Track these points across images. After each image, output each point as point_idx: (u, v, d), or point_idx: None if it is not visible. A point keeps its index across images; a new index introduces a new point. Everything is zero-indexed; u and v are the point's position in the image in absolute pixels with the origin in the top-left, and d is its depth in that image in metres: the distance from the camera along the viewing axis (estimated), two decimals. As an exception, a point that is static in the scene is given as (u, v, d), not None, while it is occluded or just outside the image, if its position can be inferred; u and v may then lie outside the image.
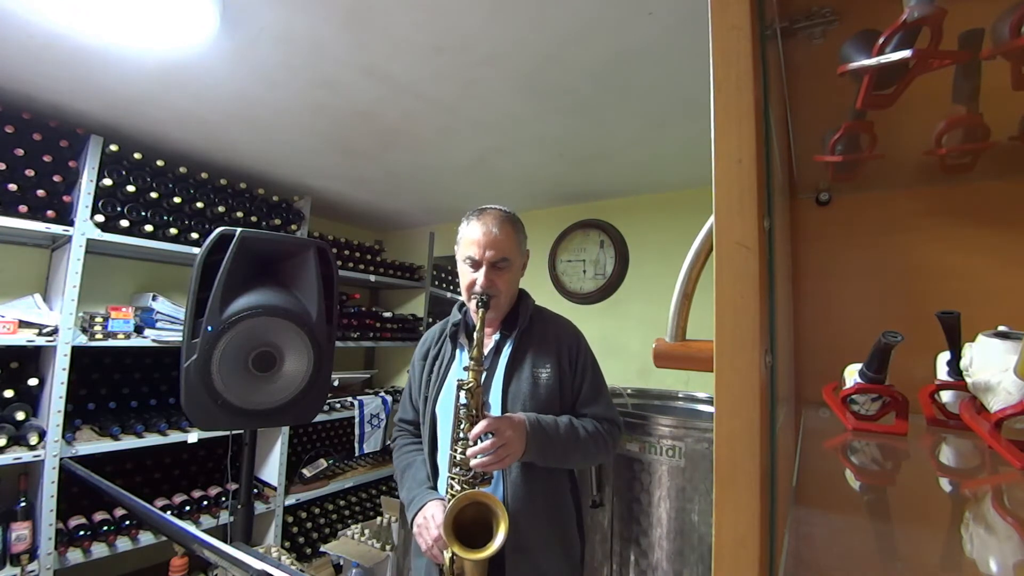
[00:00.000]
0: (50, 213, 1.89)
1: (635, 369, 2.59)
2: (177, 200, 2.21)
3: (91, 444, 1.96)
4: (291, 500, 2.64)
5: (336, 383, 2.95)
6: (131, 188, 2.08)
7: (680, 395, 2.28)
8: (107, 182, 2.01)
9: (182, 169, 2.29)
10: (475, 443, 1.06)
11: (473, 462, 1.05)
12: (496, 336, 1.27)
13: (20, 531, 1.79)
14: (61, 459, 1.85)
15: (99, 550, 1.95)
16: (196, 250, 2.02)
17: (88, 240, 1.97)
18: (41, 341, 1.86)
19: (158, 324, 2.22)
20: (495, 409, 1.18)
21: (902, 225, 0.93)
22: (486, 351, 1.24)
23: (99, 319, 2.05)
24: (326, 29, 1.39)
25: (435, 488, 1.21)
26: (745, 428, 0.34)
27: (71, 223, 1.94)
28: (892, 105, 0.54)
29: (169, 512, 2.15)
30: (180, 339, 1.20)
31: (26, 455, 1.78)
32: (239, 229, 1.21)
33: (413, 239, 3.79)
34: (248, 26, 1.38)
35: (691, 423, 1.62)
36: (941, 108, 0.62)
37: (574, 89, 1.67)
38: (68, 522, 1.95)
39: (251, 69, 1.61)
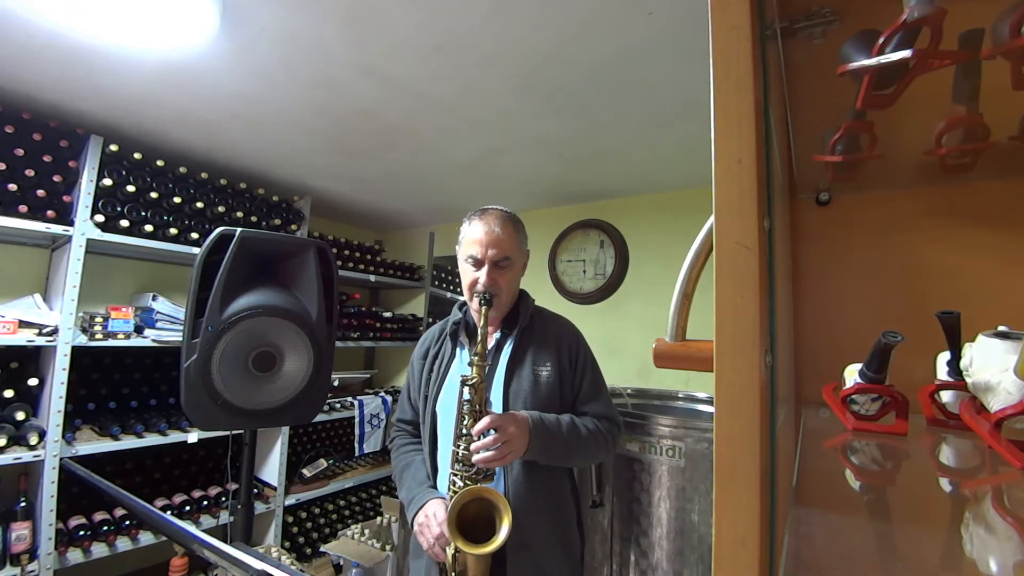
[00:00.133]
0: (50, 213, 1.89)
1: (635, 369, 2.59)
2: (177, 200, 2.21)
3: (91, 444, 1.96)
4: (291, 500, 2.64)
5: (336, 383, 2.95)
6: (131, 188, 2.08)
7: (680, 395, 2.28)
8: (107, 182, 2.01)
9: (182, 169, 2.29)
10: (478, 439, 1.06)
11: (476, 457, 1.05)
12: (497, 335, 1.28)
13: (20, 531, 1.79)
14: (61, 459, 1.85)
15: (99, 550, 1.95)
16: (196, 250, 2.02)
17: (88, 240, 1.97)
18: (41, 341, 1.86)
19: (158, 324, 2.22)
20: (496, 407, 1.18)
21: (902, 225, 0.93)
22: (487, 360, 1.25)
23: (99, 319, 2.05)
24: (326, 29, 1.39)
25: (435, 487, 1.22)
26: (745, 428, 0.34)
27: (71, 223, 1.94)
28: (892, 105, 0.54)
29: (169, 512, 2.15)
30: (180, 339, 1.20)
31: (26, 455, 1.78)
32: (239, 229, 1.21)
33: (413, 239, 3.79)
34: (248, 26, 1.38)
35: (691, 423, 1.62)
36: (941, 108, 0.62)
37: (574, 89, 1.67)
38: (68, 522, 1.95)
39: (251, 69, 1.61)
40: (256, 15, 1.34)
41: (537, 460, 1.14)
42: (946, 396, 0.72)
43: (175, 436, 2.18)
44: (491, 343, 1.27)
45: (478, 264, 1.22)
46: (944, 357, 0.71)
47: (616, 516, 1.70)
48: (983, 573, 0.35)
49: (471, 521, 1.03)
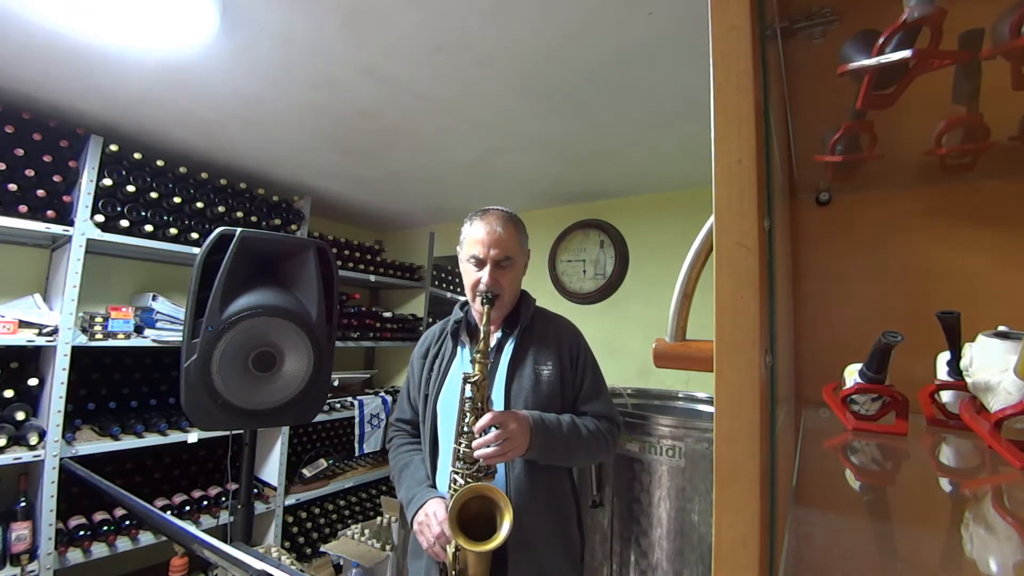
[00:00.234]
0: (50, 213, 1.89)
1: (635, 369, 2.59)
2: (177, 200, 2.21)
3: (91, 444, 1.96)
4: (291, 500, 2.64)
5: (336, 383, 2.95)
6: (131, 188, 2.08)
7: (680, 395, 2.28)
8: (107, 182, 2.01)
9: (182, 169, 2.29)
10: (480, 436, 1.06)
11: (478, 453, 1.05)
12: (498, 334, 1.29)
13: (20, 531, 1.79)
14: (61, 459, 1.85)
15: (99, 550, 1.95)
16: (196, 250, 2.02)
17: (88, 240, 1.97)
18: (41, 341, 1.86)
19: (158, 324, 2.22)
20: (498, 406, 1.19)
21: (902, 225, 0.93)
22: (489, 357, 1.25)
23: (99, 319, 2.05)
24: (326, 29, 1.39)
25: (435, 487, 1.22)
26: (745, 428, 0.34)
27: (71, 223, 1.94)
28: (892, 105, 0.54)
29: (169, 512, 2.15)
30: (180, 339, 1.20)
31: (26, 455, 1.78)
32: (239, 229, 1.21)
33: (413, 239, 3.79)
34: (248, 26, 1.38)
35: (691, 423, 1.62)
36: (941, 108, 0.62)
37: (574, 89, 1.67)
38: (68, 522, 1.95)
39: (251, 69, 1.61)
40: (256, 15, 1.34)
41: (538, 460, 1.14)
42: (946, 396, 0.72)
43: (175, 436, 2.18)
44: (492, 342, 1.27)
45: (480, 264, 1.22)
46: (944, 357, 0.71)
47: (616, 516, 1.70)
48: (983, 573, 0.35)
49: (472, 519, 1.02)
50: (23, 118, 1.88)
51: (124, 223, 2.08)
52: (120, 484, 1.79)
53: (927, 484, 0.55)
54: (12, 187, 1.80)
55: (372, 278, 3.14)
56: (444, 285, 3.65)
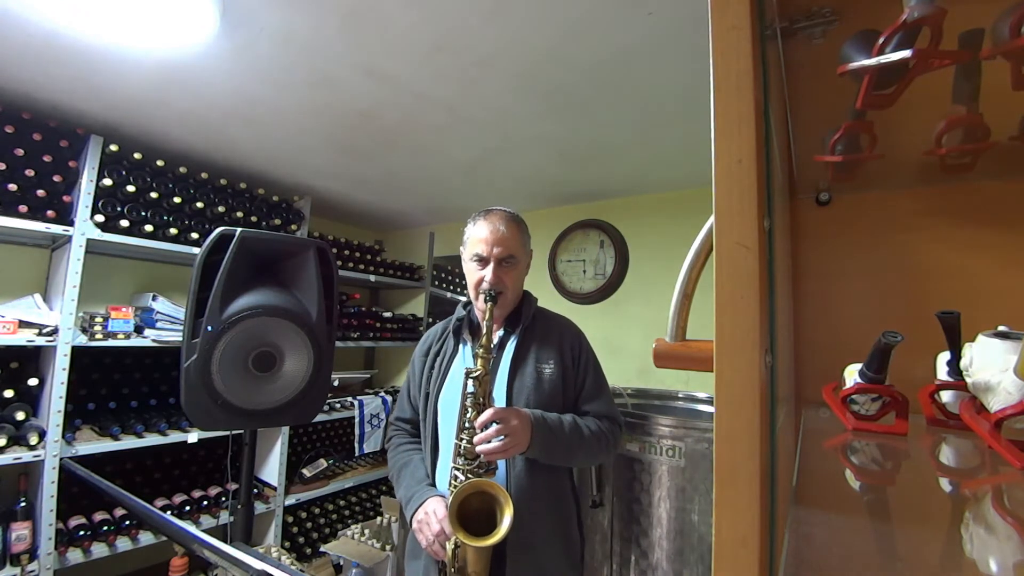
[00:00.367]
0: (50, 213, 1.89)
1: (635, 369, 2.59)
2: (177, 200, 2.21)
3: (91, 444, 1.96)
4: (291, 500, 2.64)
5: (336, 383, 2.95)
6: (131, 188, 2.08)
7: (680, 395, 2.28)
8: (107, 182, 2.01)
9: (182, 169, 2.29)
10: (481, 431, 1.06)
11: (480, 448, 1.05)
12: (500, 332, 1.29)
13: (20, 531, 1.79)
14: (61, 459, 1.85)
15: (99, 550, 1.94)
16: (196, 250, 2.02)
17: (88, 240, 1.97)
18: (41, 341, 1.86)
19: (158, 324, 2.22)
20: (500, 403, 1.19)
21: (902, 225, 0.93)
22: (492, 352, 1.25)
23: (99, 319, 2.05)
24: (326, 29, 1.39)
25: (435, 485, 1.21)
26: (745, 428, 0.34)
27: (71, 223, 1.94)
28: (892, 105, 0.54)
29: (169, 512, 2.15)
30: (180, 339, 1.20)
31: (26, 455, 1.78)
32: (239, 229, 1.21)
33: (413, 239, 3.79)
34: (248, 26, 1.38)
35: (691, 423, 1.62)
36: (941, 108, 0.62)
37: (574, 89, 1.67)
38: (68, 522, 1.95)
39: (251, 69, 1.61)
40: (256, 15, 1.34)
41: (539, 458, 1.14)
42: (946, 396, 0.72)
43: (175, 436, 2.18)
44: (495, 340, 1.27)
45: (483, 262, 1.23)
46: (944, 357, 0.71)
47: (616, 516, 1.70)
48: (983, 573, 0.35)
49: (472, 516, 1.02)
50: (23, 118, 1.88)
51: (124, 223, 2.08)
52: (120, 484, 1.79)
53: (927, 484, 0.55)
54: (12, 187, 1.80)
55: (372, 278, 3.14)
56: (444, 285, 3.65)
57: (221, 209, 2.38)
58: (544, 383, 1.21)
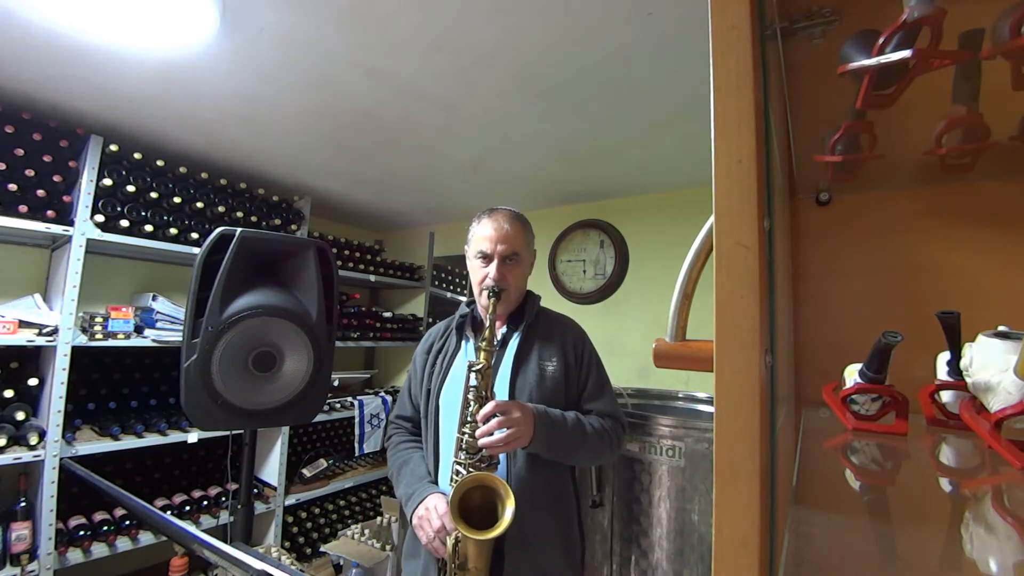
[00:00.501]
0: (50, 213, 1.89)
1: (635, 369, 2.59)
2: (177, 200, 2.21)
3: (91, 444, 1.96)
4: (291, 500, 2.64)
5: (336, 383, 2.95)
6: (131, 188, 2.08)
7: (680, 395, 2.28)
8: (107, 182, 2.01)
9: (182, 169, 2.29)
10: (483, 424, 1.06)
11: (482, 441, 1.05)
12: (503, 329, 1.29)
13: (20, 531, 1.79)
14: (61, 459, 1.85)
15: (99, 550, 1.95)
16: (196, 250, 2.02)
17: (88, 240, 1.97)
18: (41, 341, 1.86)
19: (158, 324, 2.22)
20: (502, 399, 1.18)
21: (902, 225, 0.93)
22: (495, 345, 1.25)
23: (99, 319, 2.05)
24: (326, 29, 1.39)
25: (436, 483, 1.21)
26: (745, 428, 0.34)
27: (71, 223, 1.94)
28: (892, 105, 0.54)
29: (169, 512, 2.15)
30: (180, 339, 1.20)
31: (26, 455, 1.78)
32: (239, 229, 1.21)
33: (413, 239, 3.79)
34: (248, 26, 1.38)
35: (691, 423, 1.62)
36: (941, 108, 0.62)
37: (574, 89, 1.67)
38: (68, 522, 1.95)
39: (251, 69, 1.61)
40: (256, 15, 1.34)
41: (541, 453, 1.13)
42: (946, 396, 0.72)
43: (175, 436, 2.18)
44: (497, 337, 1.27)
45: (487, 259, 1.24)
46: (944, 357, 0.71)
47: (616, 516, 1.70)
48: (983, 573, 0.35)
49: (473, 511, 1.02)
50: (23, 118, 1.88)
51: (124, 223, 2.08)
52: (120, 484, 1.79)
53: (927, 484, 0.55)
54: (12, 187, 1.80)
55: (372, 278, 3.14)
56: (444, 285, 3.65)
57: (221, 209, 2.38)
58: (547, 380, 1.21)
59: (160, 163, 2.20)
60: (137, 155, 2.13)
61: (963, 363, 0.64)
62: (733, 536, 0.32)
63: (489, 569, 1.05)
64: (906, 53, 0.46)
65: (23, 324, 1.86)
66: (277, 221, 2.64)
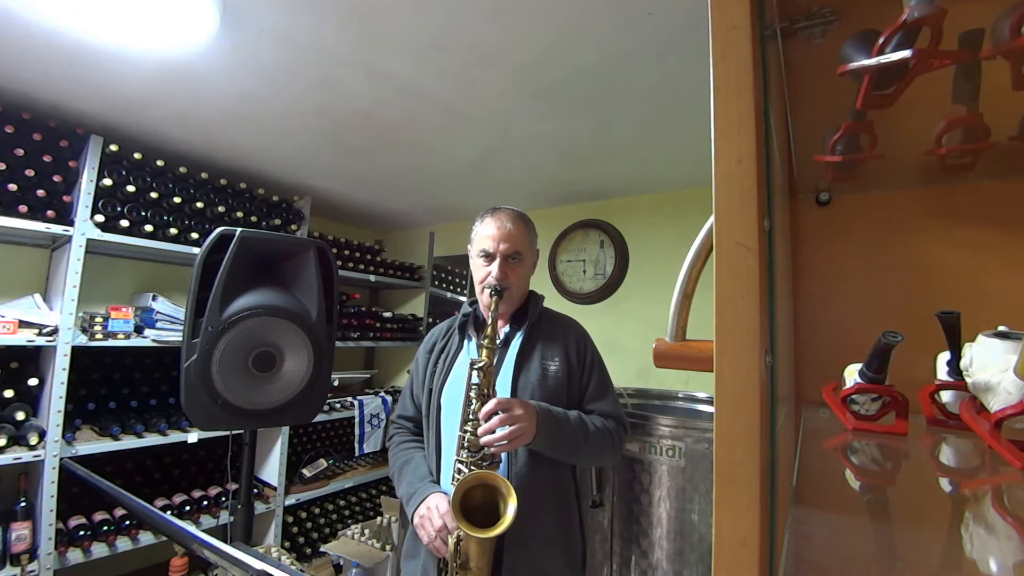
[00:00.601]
0: (50, 213, 1.89)
1: (635, 369, 2.59)
2: (177, 200, 2.21)
3: (91, 444, 1.96)
4: (291, 500, 2.64)
5: (336, 383, 2.95)
6: (131, 188, 2.08)
7: (680, 395, 2.28)
8: (107, 182, 2.01)
9: (182, 169, 2.29)
10: (485, 422, 1.05)
11: (484, 439, 1.04)
12: (506, 329, 1.29)
13: (20, 531, 1.79)
14: (61, 459, 1.85)
15: (99, 550, 1.95)
16: (196, 250, 2.02)
17: (88, 240, 1.97)
18: (41, 341, 1.86)
19: (158, 324, 2.22)
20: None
21: (902, 225, 0.93)
22: (497, 343, 1.25)
23: (99, 319, 2.05)
24: (326, 29, 1.39)
25: (437, 483, 1.20)
26: (745, 428, 0.34)
27: (71, 223, 1.94)
28: (892, 105, 0.54)
29: (169, 512, 2.15)
30: (180, 339, 1.19)
31: (26, 455, 1.79)
32: (239, 229, 1.21)
33: (413, 239, 3.79)
34: (248, 26, 1.38)
35: (691, 423, 1.62)
36: (941, 108, 0.62)
37: (574, 89, 1.67)
38: (68, 522, 1.95)
39: (251, 69, 1.61)
40: (256, 15, 1.34)
41: (544, 451, 1.13)
42: (946, 396, 0.72)
43: (175, 436, 2.18)
44: (500, 337, 1.27)
45: (490, 258, 1.24)
46: (944, 357, 0.71)
47: (616, 516, 1.70)
48: (983, 573, 0.35)
49: (475, 510, 1.01)
50: (23, 118, 1.88)
51: (124, 223, 2.08)
52: (120, 484, 1.79)
53: (927, 484, 0.55)
54: (12, 187, 1.80)
55: (372, 278, 3.14)
56: (444, 285, 3.65)
57: (221, 209, 2.38)
58: (549, 380, 1.21)
59: (160, 163, 2.20)
60: (137, 155, 2.13)
61: (963, 363, 0.64)
62: (733, 536, 0.32)
63: (490, 568, 1.05)
64: (906, 53, 0.46)
65: (23, 324, 1.86)
66: (277, 221, 2.64)
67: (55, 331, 1.89)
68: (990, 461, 0.57)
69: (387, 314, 3.27)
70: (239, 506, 1.37)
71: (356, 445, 2.86)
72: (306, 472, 2.74)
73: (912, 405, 0.70)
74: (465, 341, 1.31)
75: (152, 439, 2.11)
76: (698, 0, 0.44)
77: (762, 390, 0.34)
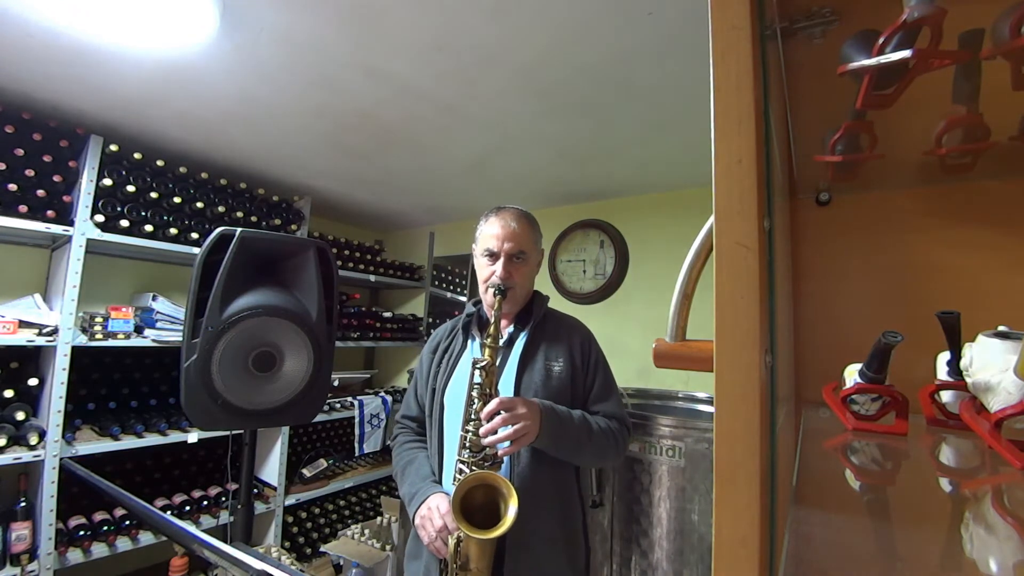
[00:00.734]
0: (50, 213, 1.89)
1: (635, 369, 2.59)
2: (177, 200, 2.21)
3: (91, 444, 1.96)
4: (291, 500, 2.64)
5: (336, 383, 2.95)
6: (131, 188, 2.08)
7: (680, 395, 2.28)
8: (107, 182, 2.01)
9: (182, 169, 2.29)
10: (487, 421, 1.04)
11: (486, 440, 1.04)
12: (510, 329, 1.29)
13: (20, 531, 1.79)
14: (61, 459, 1.85)
15: (99, 550, 1.95)
16: (196, 250, 2.02)
17: (88, 240, 1.97)
18: (41, 341, 1.86)
19: (158, 324, 2.22)
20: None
21: (902, 225, 0.93)
22: (499, 343, 1.25)
23: (99, 319, 2.05)
24: (326, 29, 1.39)
25: (440, 483, 1.20)
26: (745, 428, 0.34)
27: (71, 223, 1.94)
28: (892, 105, 0.54)
29: (169, 512, 2.15)
30: (180, 339, 1.19)
31: (26, 455, 1.79)
32: (239, 229, 1.21)
33: (413, 239, 3.79)
34: (248, 26, 1.39)
35: (691, 423, 1.62)
36: (941, 108, 0.62)
37: (574, 89, 1.67)
38: (68, 522, 1.95)
39: (251, 69, 1.61)
40: (256, 15, 1.34)
41: (547, 450, 1.12)
42: (946, 396, 0.72)
43: (175, 436, 2.18)
44: (504, 336, 1.27)
45: (494, 257, 1.24)
46: (944, 357, 0.71)
47: (616, 516, 1.70)
48: (983, 573, 0.35)
49: (476, 510, 1.00)
50: (23, 118, 1.88)
51: (124, 223, 2.08)
52: (120, 484, 1.80)
53: (927, 484, 0.55)
54: (12, 187, 1.80)
55: (372, 278, 3.14)
56: (444, 285, 3.65)
57: (221, 209, 2.38)
58: (552, 380, 1.20)
59: (160, 163, 2.20)
60: (137, 155, 2.13)
61: (963, 363, 0.64)
62: (733, 536, 0.32)
63: (491, 570, 1.04)
64: (906, 53, 0.46)
65: (23, 324, 1.86)
66: (277, 221, 2.64)
67: (55, 331, 1.89)
68: (990, 461, 0.57)
69: (387, 314, 3.27)
70: (239, 506, 1.37)
71: (356, 445, 2.86)
72: (306, 472, 2.74)
73: (912, 405, 0.70)
74: (469, 341, 1.30)
75: (152, 439, 2.11)
76: (698, 0, 0.44)
77: (762, 390, 0.34)
